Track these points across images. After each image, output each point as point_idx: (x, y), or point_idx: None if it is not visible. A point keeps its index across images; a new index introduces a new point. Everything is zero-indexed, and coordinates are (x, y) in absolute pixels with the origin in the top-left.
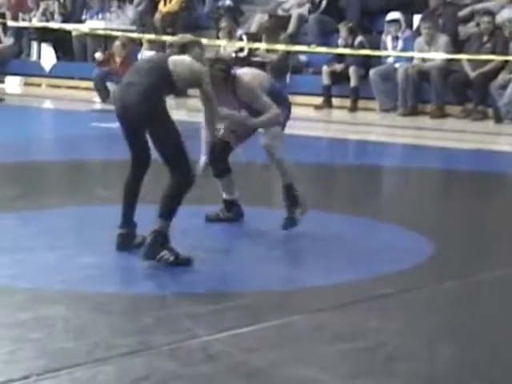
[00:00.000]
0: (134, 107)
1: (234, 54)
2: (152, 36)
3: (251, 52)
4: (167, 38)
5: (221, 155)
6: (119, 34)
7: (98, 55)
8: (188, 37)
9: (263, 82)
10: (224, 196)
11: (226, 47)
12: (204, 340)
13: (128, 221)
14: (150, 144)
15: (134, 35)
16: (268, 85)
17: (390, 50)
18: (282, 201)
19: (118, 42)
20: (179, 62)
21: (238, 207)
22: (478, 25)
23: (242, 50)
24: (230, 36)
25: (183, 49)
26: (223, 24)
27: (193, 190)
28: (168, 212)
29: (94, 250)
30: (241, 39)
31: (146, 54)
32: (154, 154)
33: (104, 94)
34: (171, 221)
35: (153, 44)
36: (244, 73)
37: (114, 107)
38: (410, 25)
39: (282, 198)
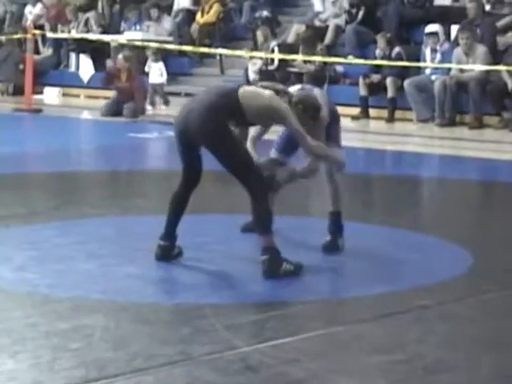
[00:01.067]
0: (197, 126)
1: (263, 67)
2: (189, 47)
3: (287, 63)
4: (204, 50)
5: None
6: (156, 45)
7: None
8: (280, 86)
9: None
10: None
11: (256, 62)
12: (243, 351)
13: (170, 233)
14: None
15: (172, 46)
16: None
17: (429, 62)
18: (327, 227)
19: (120, 55)
20: (253, 91)
21: None
22: None
23: (272, 61)
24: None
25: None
26: (258, 32)
27: (222, 200)
28: (263, 226)
29: (133, 259)
30: (273, 51)
31: (152, 66)
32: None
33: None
34: (271, 232)
35: (157, 55)
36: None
37: (177, 123)
38: (448, 36)
39: (328, 224)
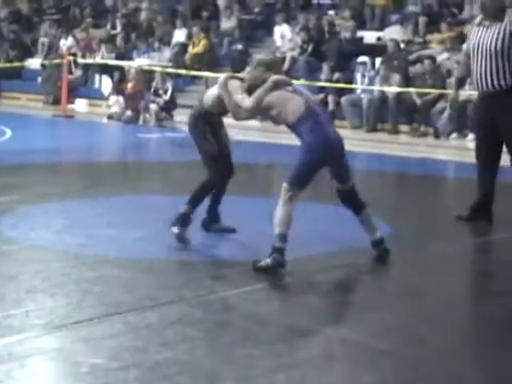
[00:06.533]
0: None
1: None
2: (183, 71)
3: None
4: (194, 73)
5: None
6: (159, 68)
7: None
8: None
9: None
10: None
11: None
12: (223, 294)
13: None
14: None
15: (170, 70)
16: None
17: (359, 84)
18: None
19: (133, 70)
20: None
21: None
22: (423, 66)
23: None
24: None
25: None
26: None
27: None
28: None
29: (141, 227)
30: None
31: (155, 85)
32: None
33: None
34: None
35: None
36: None
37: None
38: (373, 65)
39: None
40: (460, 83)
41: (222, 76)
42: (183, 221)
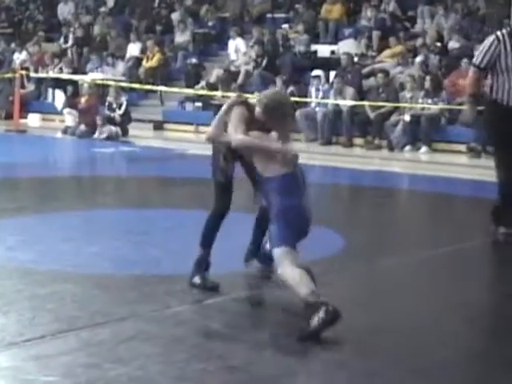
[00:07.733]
0: None
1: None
2: (137, 85)
3: (211, 97)
4: (148, 87)
5: None
6: (113, 83)
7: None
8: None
9: None
10: None
11: None
12: (176, 310)
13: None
14: None
15: (124, 84)
16: None
17: (313, 98)
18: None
19: (86, 84)
20: None
21: None
22: (376, 79)
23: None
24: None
25: None
26: None
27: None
28: None
29: (95, 242)
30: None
31: (109, 99)
32: None
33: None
34: None
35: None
36: None
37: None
38: (327, 79)
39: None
40: (477, 99)
41: (232, 97)
42: (200, 266)
